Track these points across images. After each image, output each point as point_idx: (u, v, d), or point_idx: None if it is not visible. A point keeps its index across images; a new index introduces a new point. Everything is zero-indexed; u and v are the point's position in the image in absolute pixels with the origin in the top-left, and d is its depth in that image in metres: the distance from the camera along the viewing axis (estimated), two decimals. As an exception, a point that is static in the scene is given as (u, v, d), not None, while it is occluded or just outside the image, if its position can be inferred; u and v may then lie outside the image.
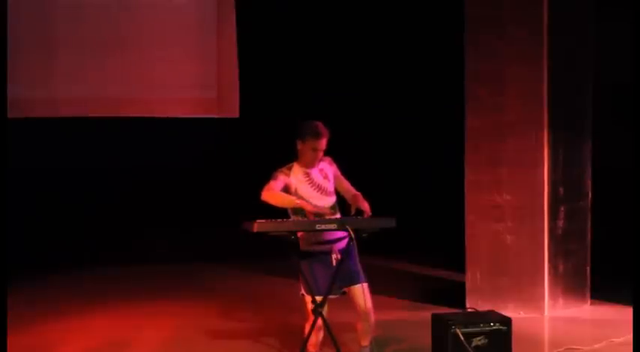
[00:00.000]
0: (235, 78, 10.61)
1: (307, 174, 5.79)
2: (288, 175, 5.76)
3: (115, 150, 10.70)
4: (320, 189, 5.78)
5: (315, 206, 5.67)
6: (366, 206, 5.68)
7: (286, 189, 5.72)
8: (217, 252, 10.38)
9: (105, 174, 10.65)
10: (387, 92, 11.07)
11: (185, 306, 8.25)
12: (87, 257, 10.28)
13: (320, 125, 5.75)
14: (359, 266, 5.75)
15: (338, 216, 5.78)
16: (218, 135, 10.87)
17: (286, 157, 5.88)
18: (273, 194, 5.61)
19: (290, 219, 5.65)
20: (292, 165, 5.81)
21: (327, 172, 5.85)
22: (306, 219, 5.60)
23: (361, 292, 5.73)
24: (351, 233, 5.48)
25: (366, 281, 5.77)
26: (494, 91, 7.64)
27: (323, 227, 5.49)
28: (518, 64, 7.57)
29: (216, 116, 10.69)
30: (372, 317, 5.79)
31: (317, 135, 5.71)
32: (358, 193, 5.82)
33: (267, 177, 6.00)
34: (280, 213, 5.73)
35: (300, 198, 5.67)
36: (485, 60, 7.65)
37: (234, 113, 10.64)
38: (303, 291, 5.72)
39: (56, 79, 10.24)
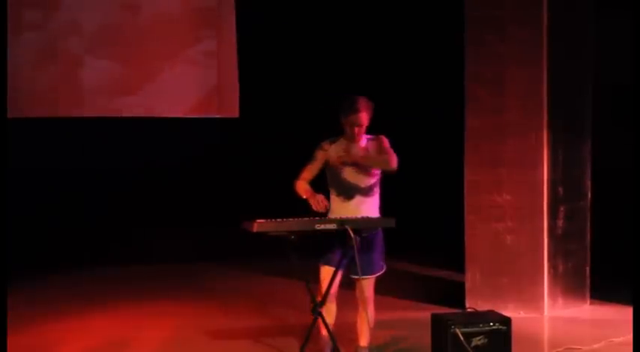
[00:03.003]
0: (235, 78, 10.61)
1: (347, 149, 5.79)
2: (327, 149, 5.81)
3: (115, 150, 10.68)
4: (357, 165, 5.77)
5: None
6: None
7: (326, 164, 5.78)
8: (217, 252, 10.37)
9: (105, 174, 10.63)
10: (387, 92, 11.05)
11: (185, 306, 8.24)
12: (87, 257, 10.28)
13: (358, 100, 5.74)
14: (377, 257, 5.77)
15: (376, 197, 5.85)
16: (218, 135, 10.86)
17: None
18: (297, 186, 5.76)
19: (289, 219, 5.63)
20: (338, 138, 5.85)
21: (370, 151, 5.83)
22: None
23: (365, 284, 5.78)
24: (351, 233, 5.48)
25: (379, 272, 5.82)
26: (494, 92, 7.64)
27: (322, 227, 5.50)
28: (518, 64, 7.57)
29: (216, 116, 10.70)
30: (371, 309, 5.83)
31: (353, 111, 5.71)
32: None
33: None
34: (279, 213, 5.74)
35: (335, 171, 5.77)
36: (485, 60, 7.66)
37: (234, 113, 10.64)
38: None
39: (56, 79, 10.25)
